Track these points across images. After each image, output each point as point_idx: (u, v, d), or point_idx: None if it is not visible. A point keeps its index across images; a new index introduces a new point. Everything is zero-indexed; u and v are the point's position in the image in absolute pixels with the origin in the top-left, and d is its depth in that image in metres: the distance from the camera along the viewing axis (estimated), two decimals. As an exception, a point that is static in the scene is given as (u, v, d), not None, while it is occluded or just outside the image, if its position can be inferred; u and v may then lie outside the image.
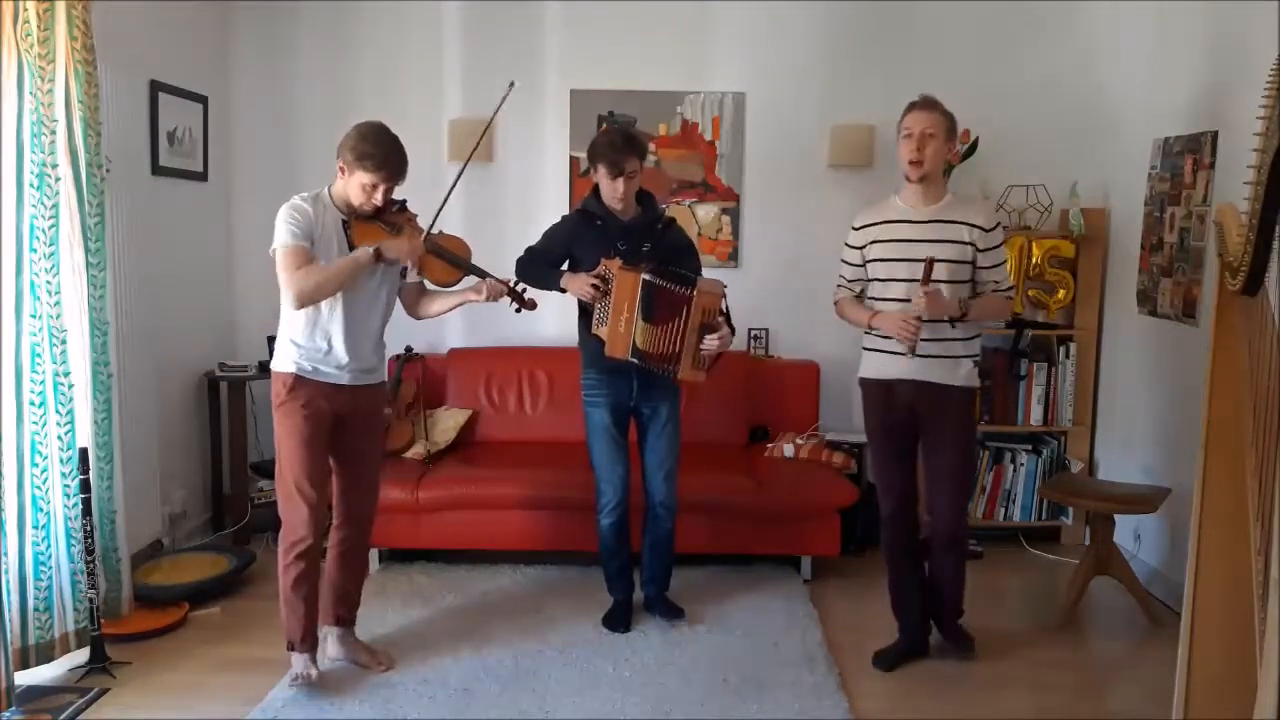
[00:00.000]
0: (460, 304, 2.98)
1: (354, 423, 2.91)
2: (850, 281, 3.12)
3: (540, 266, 3.23)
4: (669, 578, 3.48)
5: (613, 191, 3.13)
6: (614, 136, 3.14)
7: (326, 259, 2.74)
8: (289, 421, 2.79)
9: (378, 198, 2.77)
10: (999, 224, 2.97)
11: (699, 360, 3.09)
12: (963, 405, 2.97)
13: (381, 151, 2.72)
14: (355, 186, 2.75)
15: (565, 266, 3.26)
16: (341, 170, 2.78)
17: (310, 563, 2.86)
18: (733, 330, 3.16)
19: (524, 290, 3.03)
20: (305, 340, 2.79)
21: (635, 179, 3.14)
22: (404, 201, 2.91)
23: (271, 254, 2.74)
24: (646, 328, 3.07)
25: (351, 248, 2.79)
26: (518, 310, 3.01)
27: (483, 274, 2.93)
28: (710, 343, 3.07)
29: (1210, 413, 2.30)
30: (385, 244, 2.72)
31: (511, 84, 2.87)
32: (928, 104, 2.94)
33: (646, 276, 3.05)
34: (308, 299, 2.69)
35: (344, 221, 2.81)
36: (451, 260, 2.90)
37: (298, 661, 2.90)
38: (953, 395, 2.94)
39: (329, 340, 2.79)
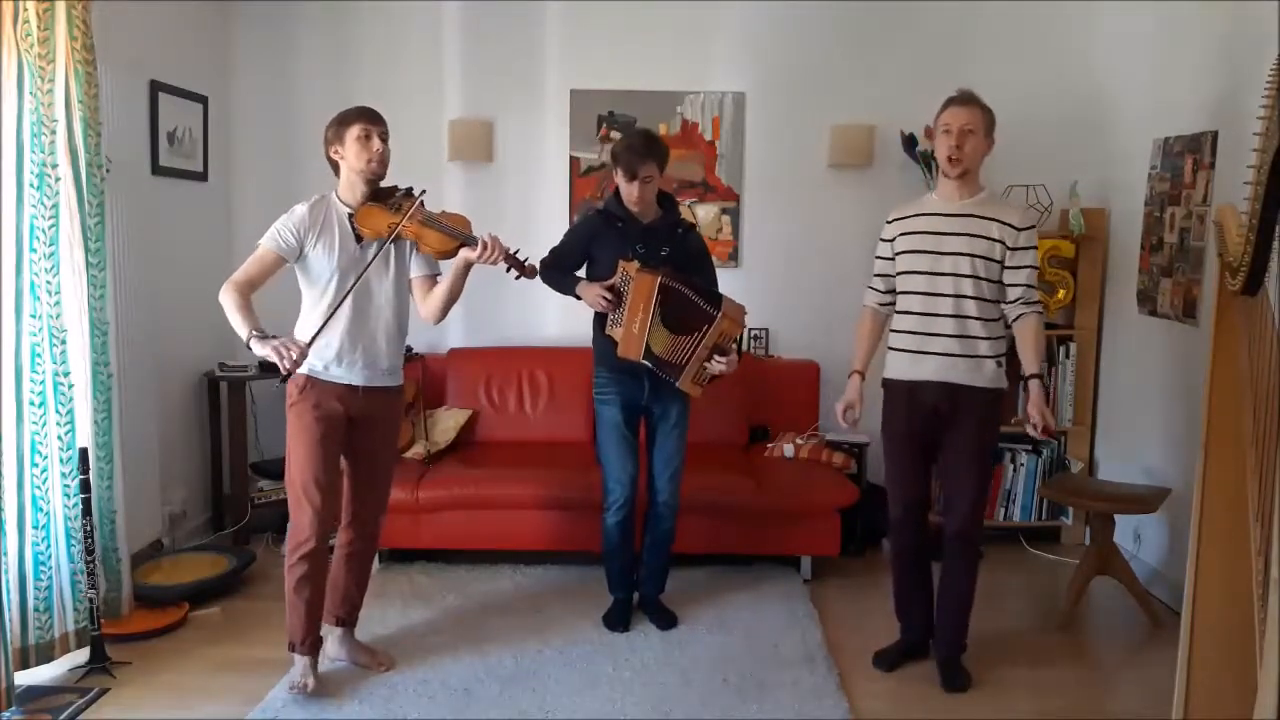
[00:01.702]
0: (462, 269, 2.87)
1: (368, 425, 2.91)
2: (878, 278, 3.07)
3: (559, 272, 3.24)
4: (665, 578, 3.48)
5: (628, 195, 3.15)
6: (633, 140, 3.16)
7: (329, 253, 2.77)
8: (300, 422, 2.79)
9: (376, 144, 2.80)
10: (1032, 226, 2.87)
11: (701, 376, 3.10)
12: (985, 406, 2.90)
13: (353, 109, 2.83)
14: (353, 150, 2.78)
15: (585, 266, 3.28)
16: (336, 154, 2.81)
17: (314, 565, 2.86)
18: (740, 357, 3.15)
19: (525, 258, 3.01)
20: (315, 342, 2.75)
21: (651, 184, 3.15)
22: (410, 189, 2.91)
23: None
24: (664, 334, 3.06)
25: (359, 239, 2.80)
26: (517, 277, 2.97)
27: (474, 239, 2.85)
28: (717, 365, 3.07)
29: (1210, 413, 2.30)
30: (258, 342, 2.60)
31: (423, 191, 2.91)
32: (966, 99, 2.87)
33: (665, 280, 3.04)
34: (220, 298, 2.70)
35: (350, 215, 2.81)
36: (445, 230, 2.85)
37: (298, 665, 2.90)
38: (976, 396, 2.88)
39: (337, 340, 2.78)
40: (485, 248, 2.80)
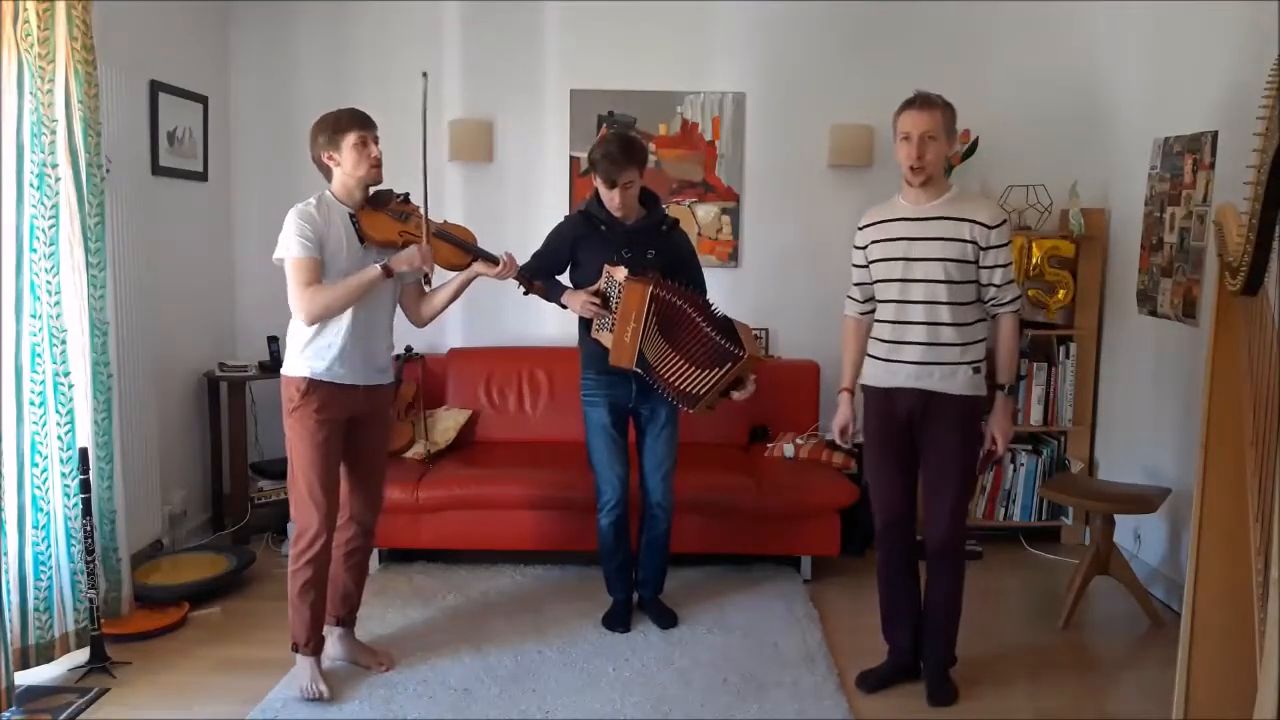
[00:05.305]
0: (469, 281, 2.93)
1: (365, 424, 2.91)
2: (856, 286, 3.00)
3: (543, 279, 3.23)
4: (664, 579, 3.48)
5: (609, 201, 3.13)
6: (610, 147, 3.09)
7: (337, 253, 2.75)
8: (301, 427, 2.78)
9: (373, 150, 2.80)
10: (1004, 221, 2.77)
11: (715, 402, 3.07)
12: (962, 414, 2.79)
13: (345, 113, 2.80)
14: (350, 159, 2.76)
15: (569, 269, 3.27)
16: (331, 160, 2.79)
17: (319, 567, 2.86)
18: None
19: (534, 277, 3.06)
20: (316, 343, 2.78)
21: (632, 188, 3.11)
22: (407, 194, 2.91)
23: (277, 262, 2.74)
24: (659, 342, 3.04)
25: (362, 240, 2.79)
26: (525, 293, 3.06)
27: (491, 256, 2.92)
28: (739, 395, 3.06)
29: (1210, 413, 2.30)
30: (394, 258, 2.71)
31: (425, 74, 2.94)
32: (924, 103, 2.74)
33: (657, 291, 3.02)
34: (317, 318, 2.72)
35: (351, 215, 2.81)
36: (459, 244, 2.89)
37: (305, 669, 2.89)
38: (952, 404, 2.78)
39: (339, 340, 2.78)
40: (505, 266, 2.91)
